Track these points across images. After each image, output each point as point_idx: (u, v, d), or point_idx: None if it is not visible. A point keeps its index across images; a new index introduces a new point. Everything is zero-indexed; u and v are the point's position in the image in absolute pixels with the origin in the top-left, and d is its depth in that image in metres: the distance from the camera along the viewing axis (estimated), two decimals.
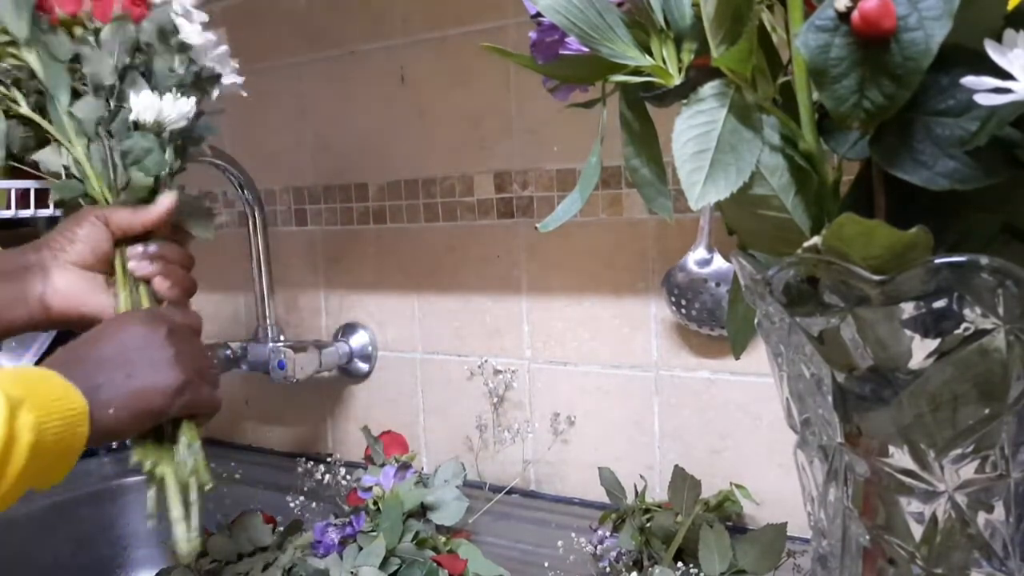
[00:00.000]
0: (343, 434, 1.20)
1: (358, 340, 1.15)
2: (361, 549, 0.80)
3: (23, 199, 1.07)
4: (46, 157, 0.72)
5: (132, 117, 0.70)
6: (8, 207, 1.07)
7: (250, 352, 1.12)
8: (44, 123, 0.71)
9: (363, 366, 1.16)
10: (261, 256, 1.12)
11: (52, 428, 0.53)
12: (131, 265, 0.71)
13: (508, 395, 1.03)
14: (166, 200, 0.72)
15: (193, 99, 0.73)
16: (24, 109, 0.71)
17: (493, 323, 1.04)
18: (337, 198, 1.16)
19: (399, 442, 0.95)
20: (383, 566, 0.78)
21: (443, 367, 1.09)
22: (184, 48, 0.74)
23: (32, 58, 0.70)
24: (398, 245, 1.11)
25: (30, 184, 1.07)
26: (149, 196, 0.72)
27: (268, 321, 1.14)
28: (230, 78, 0.79)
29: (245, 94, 0.79)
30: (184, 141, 0.75)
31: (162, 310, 0.69)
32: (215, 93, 0.78)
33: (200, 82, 0.76)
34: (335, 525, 0.84)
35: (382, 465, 0.90)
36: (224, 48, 0.77)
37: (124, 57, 0.71)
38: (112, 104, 0.71)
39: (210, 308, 1.30)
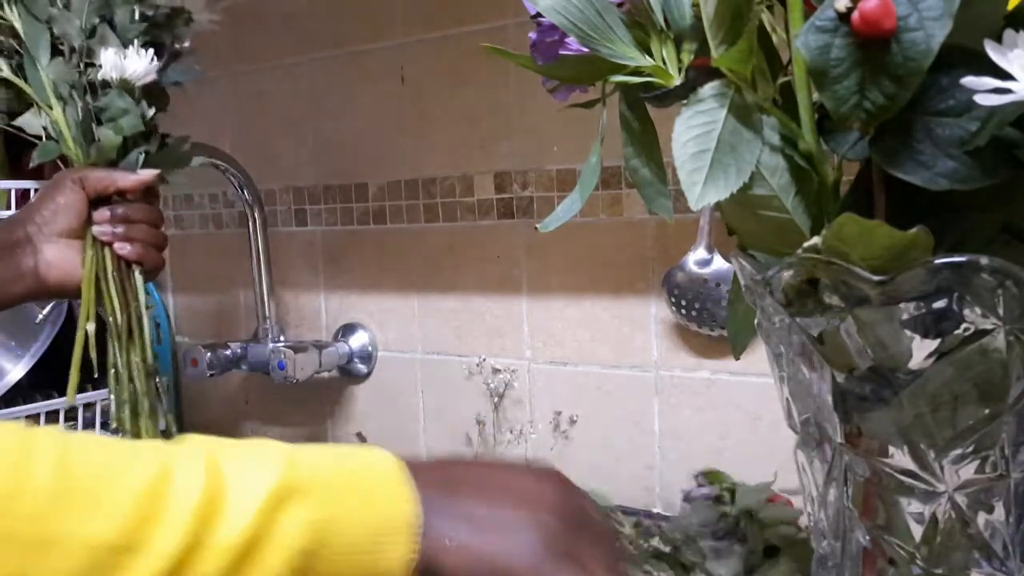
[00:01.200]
0: (343, 434, 1.20)
1: (358, 340, 1.15)
2: None
3: (23, 199, 1.07)
4: (27, 121, 0.74)
5: (100, 76, 0.71)
6: (8, 207, 1.07)
7: (250, 352, 1.12)
8: (24, 85, 0.71)
9: (363, 366, 1.15)
10: (261, 256, 1.12)
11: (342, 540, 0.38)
12: (94, 229, 0.71)
13: (508, 395, 1.03)
14: (147, 173, 0.73)
15: (151, 50, 0.72)
16: (5, 72, 0.71)
17: (493, 323, 1.04)
18: (337, 198, 1.16)
19: None
20: None
21: (443, 367, 1.09)
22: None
23: (14, 16, 0.70)
24: (398, 245, 1.11)
25: (30, 184, 1.08)
26: (120, 154, 0.73)
27: (268, 321, 1.14)
28: (202, 15, 0.78)
29: (217, 25, 0.80)
30: (158, 90, 0.75)
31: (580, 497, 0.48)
32: (187, 35, 0.78)
33: (165, 25, 0.76)
34: None
35: None
36: None
37: (92, 17, 0.72)
38: (83, 64, 0.72)
39: (210, 308, 1.30)
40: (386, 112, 1.10)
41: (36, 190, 1.06)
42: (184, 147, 0.79)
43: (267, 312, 1.14)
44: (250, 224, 1.11)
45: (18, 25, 0.70)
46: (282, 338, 1.16)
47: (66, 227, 0.70)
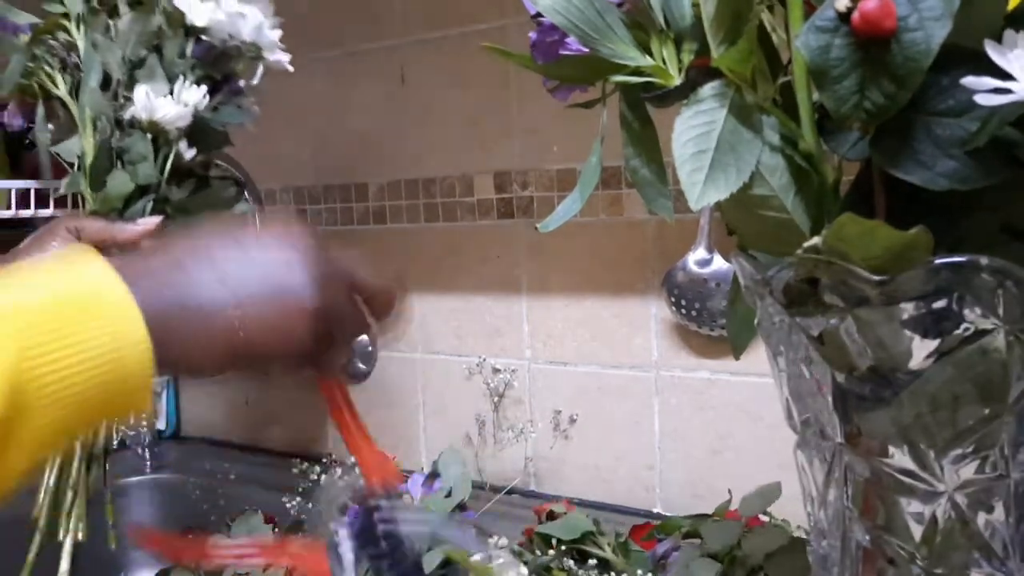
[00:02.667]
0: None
1: (358, 340, 1.15)
2: None
3: (23, 199, 1.07)
4: (67, 147, 0.69)
5: (129, 114, 0.67)
6: (8, 207, 1.07)
7: None
8: (73, 107, 0.68)
9: (363, 366, 1.15)
10: None
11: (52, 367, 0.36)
12: None
13: (508, 395, 1.03)
14: (148, 222, 0.69)
15: (202, 88, 0.68)
16: (60, 90, 0.68)
17: (493, 323, 1.04)
18: (337, 198, 1.16)
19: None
20: None
21: (443, 367, 1.09)
22: (193, 30, 0.68)
23: (79, 35, 0.67)
24: (398, 245, 1.11)
25: (30, 184, 1.07)
26: (125, 206, 0.70)
27: None
28: (274, 54, 0.71)
29: (291, 69, 0.72)
30: (208, 129, 0.71)
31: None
32: (257, 72, 0.71)
33: (221, 61, 0.70)
34: None
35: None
36: (261, 21, 0.70)
37: (139, 49, 0.68)
38: (122, 97, 0.68)
39: None
40: (386, 112, 1.10)
41: (36, 190, 1.06)
42: (227, 191, 0.75)
43: None
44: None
45: (81, 46, 0.67)
46: None
47: None
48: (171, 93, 0.68)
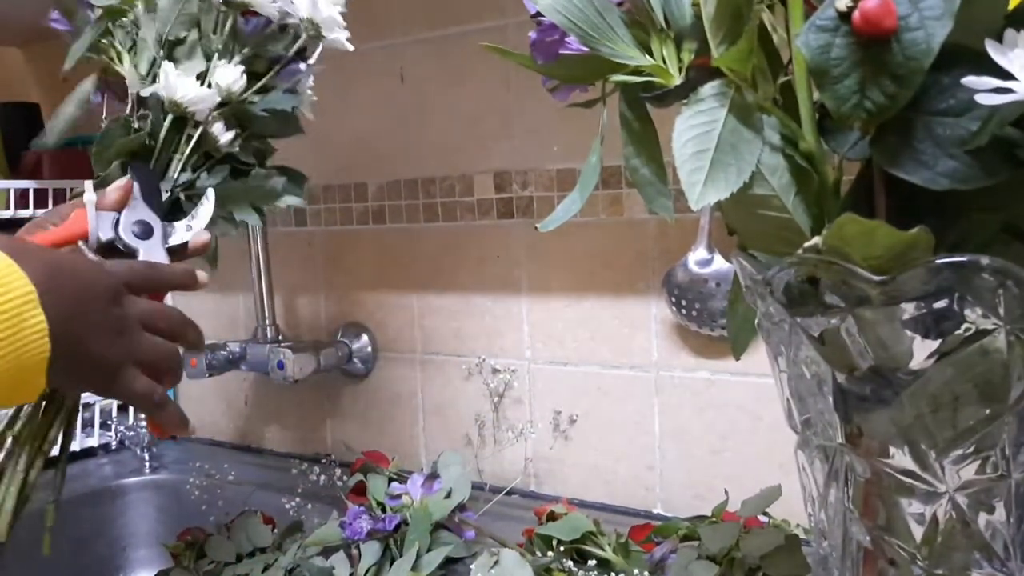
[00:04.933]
0: (343, 435, 1.20)
1: (358, 340, 1.15)
2: (385, 551, 0.81)
3: (23, 199, 1.07)
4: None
5: (150, 92, 0.64)
6: (8, 207, 1.07)
7: (250, 352, 1.12)
8: (122, 72, 0.65)
9: (362, 366, 1.15)
10: (261, 256, 1.12)
11: None
12: None
13: (508, 395, 1.03)
14: (119, 183, 0.65)
15: (236, 68, 0.64)
16: (127, 65, 0.65)
17: (493, 323, 1.04)
18: (337, 198, 1.16)
19: (380, 461, 0.96)
20: None
21: (443, 367, 1.09)
22: (237, 5, 0.64)
23: (140, 11, 0.65)
24: (398, 245, 1.11)
25: (30, 184, 1.08)
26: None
27: (268, 321, 1.14)
28: (332, 33, 0.66)
29: (351, 48, 0.68)
30: (244, 117, 0.66)
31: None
32: (315, 54, 0.67)
33: (269, 40, 0.65)
34: (369, 515, 0.84)
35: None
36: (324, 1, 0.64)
37: (179, 29, 0.64)
38: (151, 78, 0.65)
39: (209, 308, 1.30)
40: (386, 112, 1.10)
41: (35, 190, 1.06)
42: (271, 182, 0.69)
43: (266, 312, 1.14)
44: (250, 224, 1.11)
45: (142, 23, 0.64)
46: (281, 338, 1.16)
47: None
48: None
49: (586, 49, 0.42)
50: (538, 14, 0.43)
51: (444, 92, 1.05)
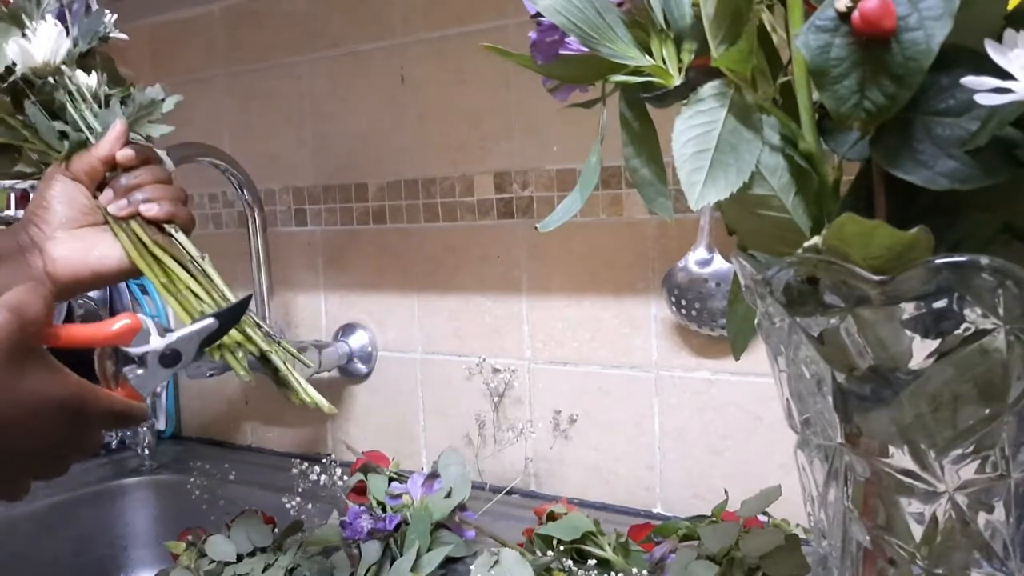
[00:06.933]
0: (343, 435, 1.20)
1: (358, 340, 1.15)
2: (385, 551, 0.81)
3: (23, 199, 1.07)
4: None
5: (19, 71, 0.67)
6: (8, 207, 1.07)
7: None
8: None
9: (363, 366, 1.15)
10: (261, 256, 1.12)
11: None
12: (110, 209, 0.70)
13: (508, 395, 1.03)
14: (116, 127, 0.70)
15: (51, 23, 0.68)
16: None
17: (493, 323, 1.04)
18: (337, 198, 1.16)
19: (380, 461, 0.96)
20: None
21: (443, 367, 1.09)
22: None
23: None
24: (398, 245, 1.11)
25: (30, 184, 1.07)
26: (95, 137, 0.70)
27: (268, 321, 1.14)
28: None
29: None
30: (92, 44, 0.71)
31: (94, 397, 0.54)
32: None
33: None
34: (370, 515, 0.84)
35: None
36: None
37: None
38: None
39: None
40: (386, 112, 1.10)
41: (32, 186, 1.06)
42: (153, 99, 0.74)
43: (267, 312, 1.14)
44: (250, 224, 1.11)
45: None
46: (281, 338, 1.16)
47: (64, 219, 0.68)
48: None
49: (586, 49, 0.42)
50: (538, 14, 0.43)
51: (444, 92, 1.05)
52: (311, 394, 0.69)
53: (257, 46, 1.21)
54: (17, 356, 0.47)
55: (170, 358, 0.58)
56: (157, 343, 0.57)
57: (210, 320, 0.60)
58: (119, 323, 0.56)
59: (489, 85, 1.01)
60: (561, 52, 0.45)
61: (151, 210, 0.69)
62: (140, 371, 0.57)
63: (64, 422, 0.50)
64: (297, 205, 1.21)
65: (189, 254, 0.71)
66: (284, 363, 0.70)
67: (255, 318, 0.69)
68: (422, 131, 1.07)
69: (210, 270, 0.71)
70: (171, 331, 0.58)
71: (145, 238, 0.69)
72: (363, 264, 1.15)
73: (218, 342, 0.63)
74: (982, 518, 0.39)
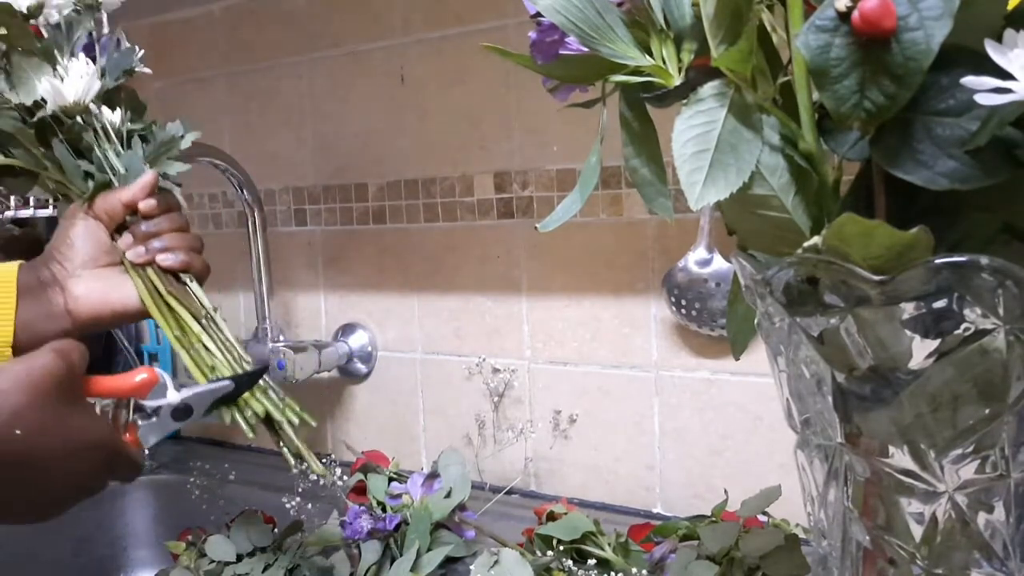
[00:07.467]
0: (343, 434, 1.20)
1: (358, 340, 1.15)
2: (385, 551, 0.81)
3: (23, 199, 1.07)
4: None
5: (50, 108, 0.68)
6: (8, 207, 1.07)
7: (250, 352, 1.12)
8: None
9: (363, 366, 1.15)
10: (261, 256, 1.12)
11: None
12: (128, 255, 0.70)
13: (508, 395, 1.03)
14: (147, 177, 0.71)
15: (83, 61, 0.69)
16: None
17: (493, 323, 1.04)
18: (337, 198, 1.16)
19: (380, 461, 0.96)
20: None
21: (443, 367, 1.09)
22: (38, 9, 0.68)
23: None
24: (398, 245, 1.11)
25: None
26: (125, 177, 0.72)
27: (268, 321, 1.14)
28: None
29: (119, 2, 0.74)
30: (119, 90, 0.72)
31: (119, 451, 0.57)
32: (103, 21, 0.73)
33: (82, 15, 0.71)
34: (370, 515, 0.84)
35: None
36: None
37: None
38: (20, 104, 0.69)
39: None
40: (386, 112, 1.10)
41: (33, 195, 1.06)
42: (173, 136, 0.75)
43: (267, 312, 1.14)
44: (250, 224, 1.11)
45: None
46: (282, 338, 1.16)
47: (87, 258, 0.69)
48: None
49: (586, 49, 0.42)
50: (538, 14, 0.43)
51: (444, 92, 1.05)
52: (316, 467, 0.74)
53: (257, 46, 1.21)
54: (66, 397, 0.50)
55: (182, 412, 0.61)
56: (173, 397, 0.60)
57: (227, 382, 0.63)
58: (139, 376, 0.59)
59: (489, 85, 1.01)
60: (561, 52, 0.45)
61: (167, 260, 0.71)
62: (150, 421, 0.60)
63: (97, 463, 0.53)
64: (297, 205, 1.21)
65: (203, 305, 0.73)
66: (295, 436, 0.73)
67: (269, 382, 0.71)
68: (422, 131, 1.07)
69: (221, 323, 0.73)
70: (186, 387, 0.61)
71: (160, 286, 0.70)
72: (363, 264, 1.15)
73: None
74: (982, 518, 0.39)
